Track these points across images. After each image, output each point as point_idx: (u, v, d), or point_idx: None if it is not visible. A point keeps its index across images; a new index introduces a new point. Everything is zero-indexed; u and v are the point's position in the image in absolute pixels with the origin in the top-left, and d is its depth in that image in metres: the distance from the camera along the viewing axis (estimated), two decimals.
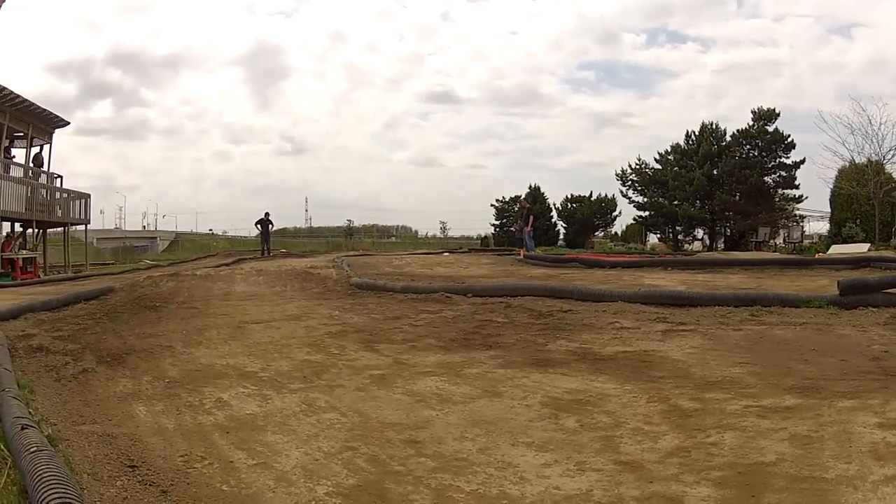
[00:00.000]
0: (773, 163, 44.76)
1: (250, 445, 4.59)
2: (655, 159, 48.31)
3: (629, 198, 48.48)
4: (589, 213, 50.20)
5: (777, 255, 24.44)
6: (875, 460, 4.15)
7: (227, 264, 22.82)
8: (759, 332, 8.18)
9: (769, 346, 7.44)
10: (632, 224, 51.07)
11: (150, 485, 3.92)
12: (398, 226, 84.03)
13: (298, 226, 79.81)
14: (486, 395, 5.81)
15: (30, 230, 25.18)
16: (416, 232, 77.40)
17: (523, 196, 42.94)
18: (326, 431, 4.89)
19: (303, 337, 8.45)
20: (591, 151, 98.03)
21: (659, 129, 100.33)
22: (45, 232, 26.52)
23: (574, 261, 19.75)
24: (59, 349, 7.61)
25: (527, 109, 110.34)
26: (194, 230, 74.16)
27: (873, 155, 30.68)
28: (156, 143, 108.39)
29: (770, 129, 44.52)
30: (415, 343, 8.04)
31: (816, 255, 23.10)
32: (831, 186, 34.47)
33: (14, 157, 25.55)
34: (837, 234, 32.08)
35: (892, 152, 30.40)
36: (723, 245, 43.78)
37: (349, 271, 15.84)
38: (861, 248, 24.75)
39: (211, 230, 72.37)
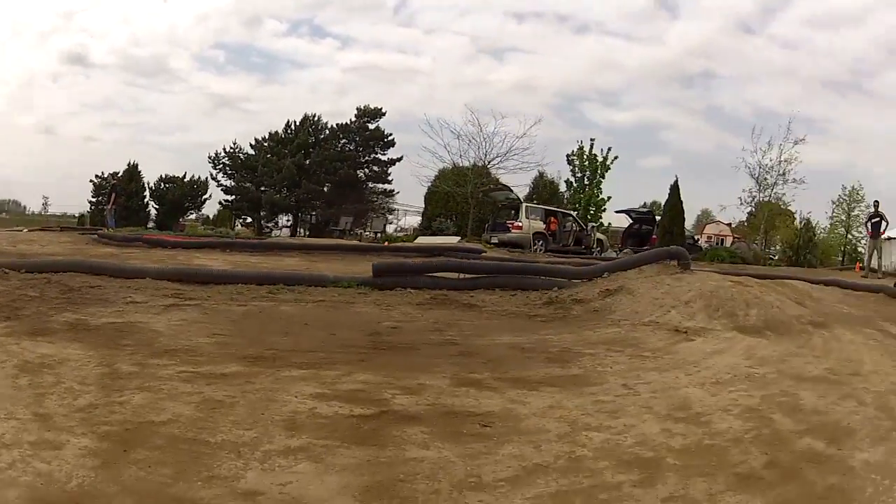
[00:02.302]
0: (367, 157, 46.83)
1: None
2: (251, 145, 48.45)
3: (218, 181, 48.22)
4: (181, 195, 48.57)
5: (349, 242, 25.18)
6: (285, 430, 4.06)
7: None
8: (263, 307, 8.18)
9: (260, 321, 7.41)
10: (222, 209, 50.42)
11: None
12: (9, 200, 75.54)
13: None
14: None
15: None
16: (25, 207, 70.47)
17: (120, 173, 40.54)
18: None
19: None
20: (204, 132, 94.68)
21: (274, 116, 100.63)
22: None
23: (139, 240, 19.19)
24: None
25: (153, 82, 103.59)
26: None
27: (479, 160, 32.99)
28: None
29: (372, 126, 46.48)
30: None
31: (385, 243, 24.26)
32: (428, 185, 36.53)
33: None
34: (428, 227, 34.17)
35: (498, 159, 32.96)
36: (306, 233, 44.82)
37: None
38: (451, 240, 26.47)
39: None
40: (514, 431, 4.39)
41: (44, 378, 5.15)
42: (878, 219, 21.83)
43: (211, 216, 51.76)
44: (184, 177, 49.52)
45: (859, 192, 37.01)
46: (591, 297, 9.58)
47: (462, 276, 10.80)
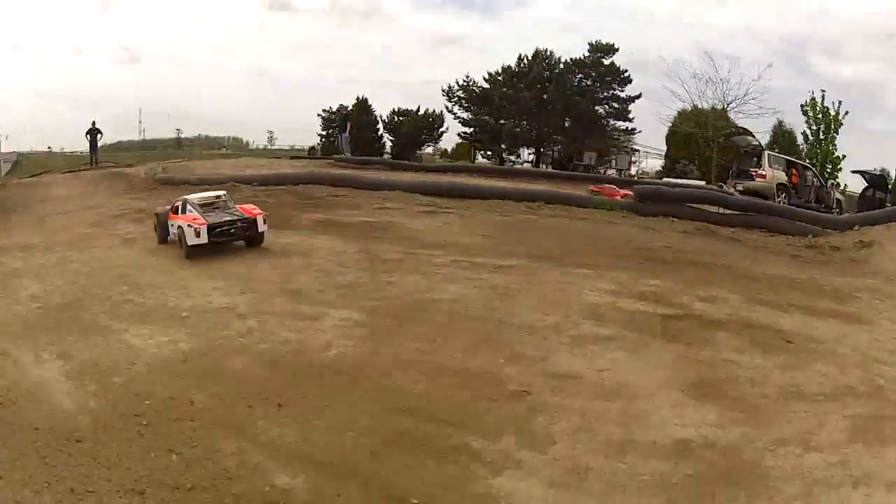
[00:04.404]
0: (606, 94, 45.46)
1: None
2: (484, 78, 47.69)
3: (454, 113, 47.57)
4: (415, 128, 49.27)
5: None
6: (590, 318, 4.00)
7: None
8: (526, 219, 8.08)
9: (521, 229, 7.36)
10: (461, 143, 50.63)
11: None
12: (229, 136, 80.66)
13: (132, 138, 74.71)
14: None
15: None
16: (248, 143, 74.95)
17: (350, 107, 41.80)
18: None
19: (91, 219, 9.86)
20: (427, 71, 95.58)
21: (499, 55, 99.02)
22: None
23: (377, 163, 19.94)
24: None
25: (367, 23, 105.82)
26: (35, 149, 68.55)
27: (717, 102, 31.77)
28: None
29: (606, 62, 45.10)
30: None
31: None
32: (668, 124, 35.52)
33: None
34: (672, 169, 33.32)
35: (736, 102, 31.49)
36: (548, 167, 44.29)
37: (158, 172, 16.30)
38: (697, 184, 25.68)
39: (49, 148, 66.66)
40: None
41: (309, 260, 5.63)
42: None
43: (449, 150, 52.15)
44: (417, 110, 50.23)
45: None
46: (846, 247, 9.79)
47: (721, 210, 10.75)
